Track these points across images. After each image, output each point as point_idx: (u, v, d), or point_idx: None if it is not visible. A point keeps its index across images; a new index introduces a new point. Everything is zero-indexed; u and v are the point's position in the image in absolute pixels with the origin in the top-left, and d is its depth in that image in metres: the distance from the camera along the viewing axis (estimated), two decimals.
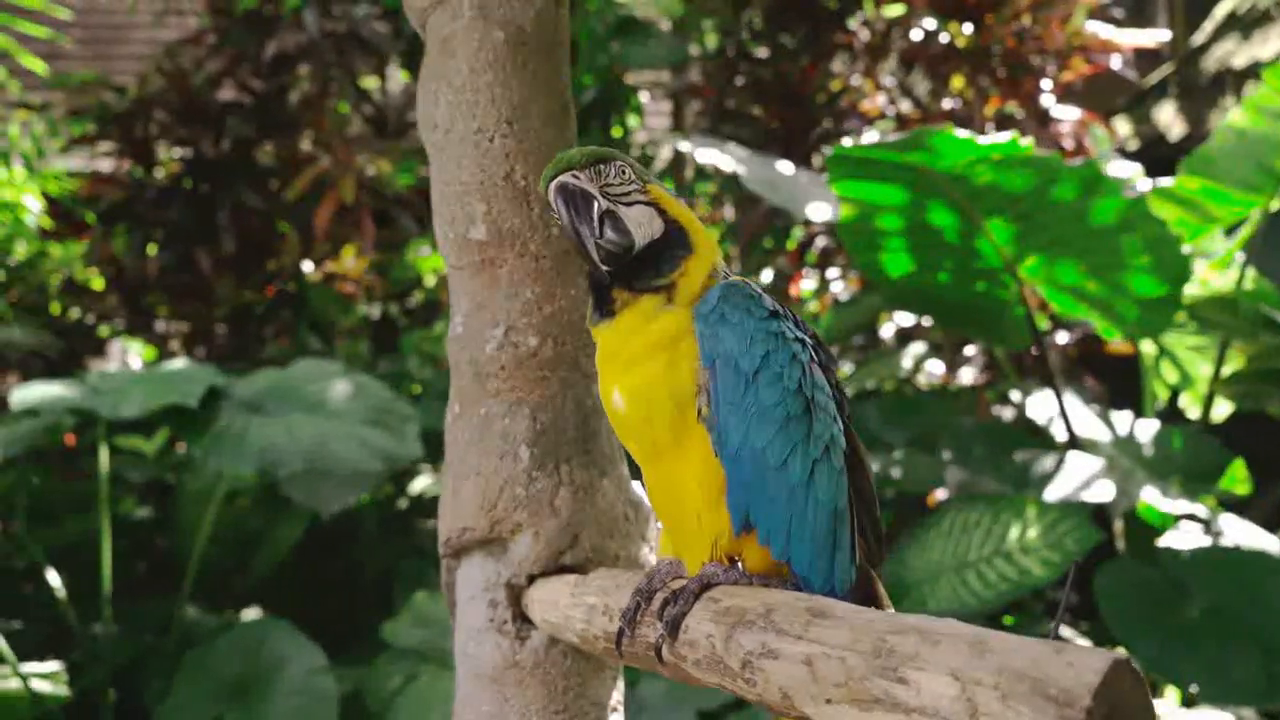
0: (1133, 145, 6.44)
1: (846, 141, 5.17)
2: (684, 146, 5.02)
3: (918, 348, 5.27)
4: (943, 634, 1.01)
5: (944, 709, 0.96)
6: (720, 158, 4.58)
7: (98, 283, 6.06)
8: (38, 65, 5.55)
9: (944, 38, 5.71)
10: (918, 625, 1.04)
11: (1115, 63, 5.81)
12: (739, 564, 1.32)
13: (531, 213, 1.68)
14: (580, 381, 1.68)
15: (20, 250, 5.67)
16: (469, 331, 1.69)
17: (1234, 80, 6.13)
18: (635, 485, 1.74)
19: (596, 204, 1.32)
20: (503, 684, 1.63)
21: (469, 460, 1.66)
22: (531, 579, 1.65)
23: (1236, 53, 6.36)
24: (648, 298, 1.32)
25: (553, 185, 1.35)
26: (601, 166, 1.35)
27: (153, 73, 5.83)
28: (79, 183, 5.89)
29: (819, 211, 4.44)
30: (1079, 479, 3.94)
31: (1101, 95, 6.36)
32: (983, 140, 3.64)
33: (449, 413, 1.73)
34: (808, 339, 1.35)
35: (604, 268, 1.31)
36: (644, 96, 6.59)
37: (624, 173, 1.35)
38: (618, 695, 1.71)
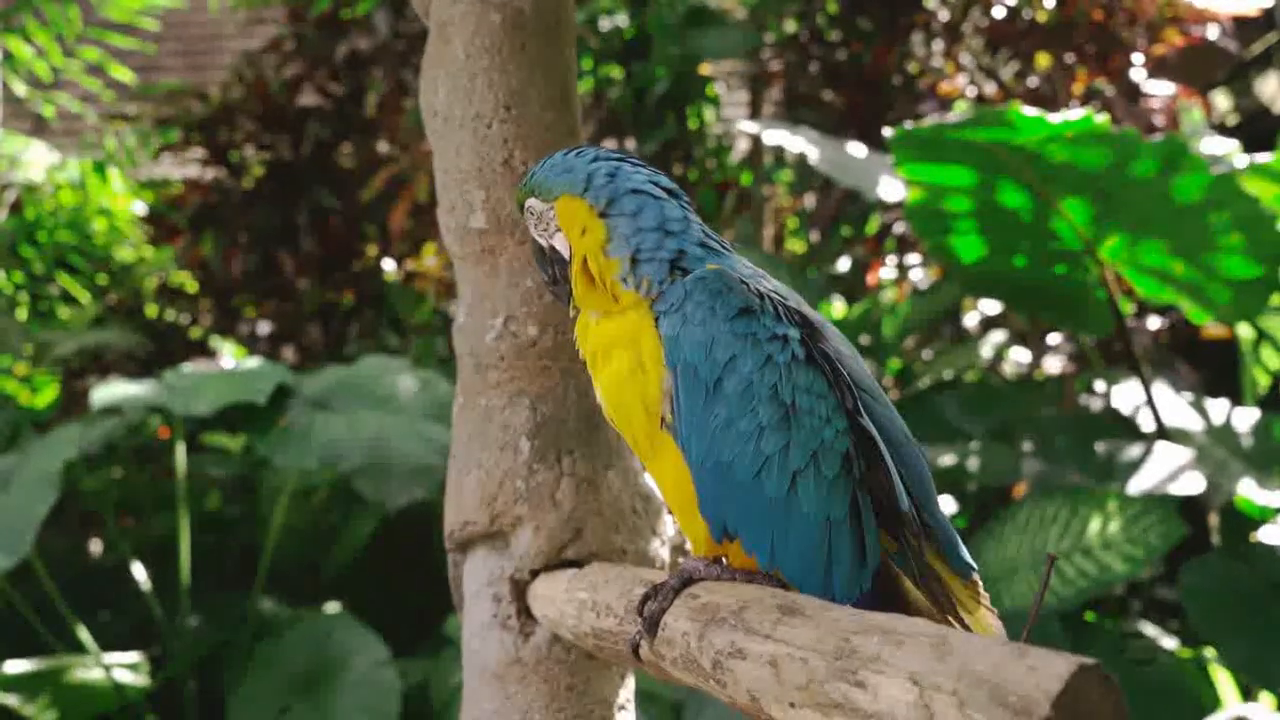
0: (1233, 120, 6.12)
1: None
2: (750, 128, 4.93)
3: (998, 336, 5.09)
4: (906, 634, 0.94)
5: (900, 715, 0.89)
6: (789, 139, 4.48)
7: (191, 286, 6.26)
8: (126, 74, 5.74)
9: (1027, 14, 5.50)
10: (884, 624, 0.97)
11: (1212, 33, 5.51)
12: (724, 560, 1.25)
13: None
14: (582, 372, 1.62)
15: (124, 254, 5.88)
16: (470, 322, 1.66)
17: None
18: (646, 477, 1.69)
19: (539, 247, 1.36)
20: (505, 680, 1.60)
21: (470, 453, 1.64)
22: (535, 574, 1.61)
23: None
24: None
25: None
26: (525, 213, 1.37)
27: (234, 80, 5.98)
28: (173, 189, 6.10)
29: (890, 190, 4.30)
30: (1165, 470, 3.75)
31: (1198, 68, 6.05)
32: (1055, 118, 3.48)
33: (454, 405, 1.71)
34: (793, 334, 1.23)
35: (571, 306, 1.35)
36: (720, 86, 6.52)
37: (532, 211, 1.35)
38: (626, 693, 1.66)
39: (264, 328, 6.42)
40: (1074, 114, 3.43)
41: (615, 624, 1.31)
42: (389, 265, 6.17)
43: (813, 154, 4.24)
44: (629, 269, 1.26)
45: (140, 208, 5.75)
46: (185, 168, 6.43)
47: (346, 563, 4.56)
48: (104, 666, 3.83)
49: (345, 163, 6.21)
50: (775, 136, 4.51)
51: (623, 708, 1.65)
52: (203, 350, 6.43)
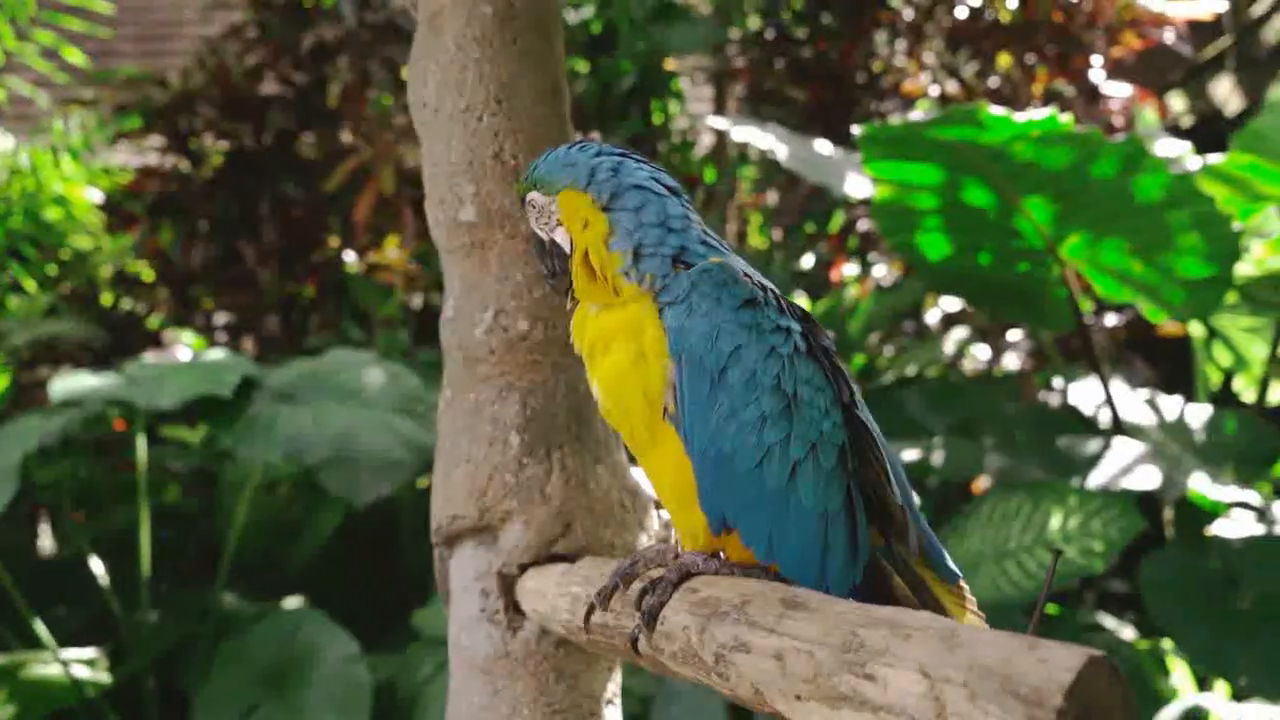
0: (1187, 122, 6.24)
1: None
2: (719, 123, 4.94)
3: (960, 333, 5.16)
4: (914, 628, 0.96)
5: (911, 707, 0.91)
6: (757, 135, 4.50)
7: (148, 275, 6.15)
8: (78, 57, 5.62)
9: (989, 14, 5.57)
10: (890, 618, 0.99)
11: (1168, 37, 5.62)
12: (721, 554, 1.26)
13: None
14: (573, 366, 1.63)
15: (79, 241, 5.76)
16: (459, 315, 1.66)
17: None
18: (634, 472, 1.69)
19: (539, 239, 1.36)
20: (494, 675, 1.60)
21: (459, 447, 1.63)
22: (523, 568, 1.61)
23: None
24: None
25: None
26: (526, 206, 1.37)
27: (195, 67, 5.89)
28: (127, 176, 5.98)
29: (858, 186, 4.33)
30: (1124, 465, 3.83)
31: (1155, 70, 6.16)
32: (1020, 117, 3.53)
33: (441, 399, 1.70)
34: (794, 326, 1.25)
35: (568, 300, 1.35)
36: (685, 82, 6.52)
37: (534, 204, 1.34)
38: (613, 687, 1.67)
39: (221, 318, 6.33)
40: (1039, 113, 3.48)
41: (611, 618, 1.32)
42: (350, 257, 6.12)
43: (781, 151, 4.26)
44: (631, 263, 1.27)
45: (97, 195, 5.64)
46: (142, 155, 6.32)
47: (309, 557, 4.52)
48: (62, 662, 3.76)
49: (307, 153, 6.14)
50: (744, 133, 4.52)
51: (610, 701, 1.65)
52: (158, 341, 6.33)
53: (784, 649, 1.04)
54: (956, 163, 3.72)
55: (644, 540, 1.67)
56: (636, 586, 1.28)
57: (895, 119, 5.38)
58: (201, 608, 4.19)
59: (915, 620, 0.97)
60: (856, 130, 4.34)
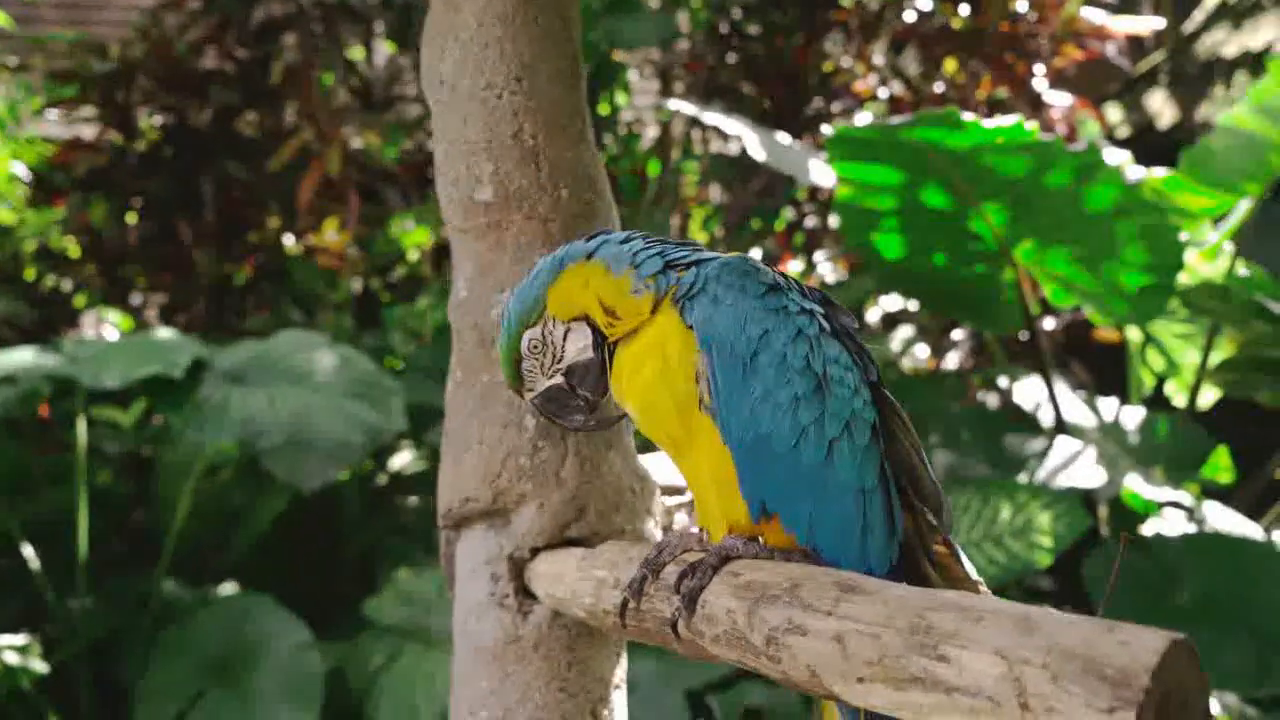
0: (1123, 132, 6.44)
1: (839, 121, 5.13)
2: (686, 108, 4.93)
3: (905, 331, 5.24)
4: (985, 611, 0.97)
5: (988, 689, 0.92)
6: (725, 121, 4.52)
7: (74, 250, 5.94)
8: (4, 20, 5.39)
9: (939, 19, 5.67)
10: (958, 601, 1.00)
11: (1108, 49, 5.78)
12: (760, 539, 1.27)
13: (540, 174, 1.61)
14: None
15: (3, 215, 5.54)
16: (473, 296, 1.63)
17: (1224, 69, 6.13)
18: (641, 459, 1.69)
19: (559, 389, 1.34)
20: (504, 660, 1.58)
21: (471, 430, 1.61)
22: (535, 552, 1.60)
23: (1227, 42, 6.37)
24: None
25: None
26: (524, 363, 1.34)
27: (136, 37, 5.70)
28: (53, 148, 5.75)
29: (823, 175, 4.35)
30: (1067, 464, 3.93)
31: (1094, 82, 6.34)
32: (989, 123, 3.60)
33: (450, 381, 1.67)
34: (818, 308, 1.27)
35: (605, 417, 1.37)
36: (632, 75, 6.51)
37: (532, 343, 1.33)
38: (621, 672, 1.66)
39: (139, 298, 6.14)
40: (1006, 120, 3.56)
41: (644, 602, 1.31)
42: (289, 240, 5.99)
43: (750, 138, 4.29)
44: (636, 277, 1.29)
45: (22, 169, 5.43)
46: (71, 126, 6.09)
47: (251, 544, 4.41)
48: None
49: (246, 130, 5.98)
50: (713, 118, 4.55)
51: (618, 686, 1.65)
52: (75, 321, 6.11)
53: (844, 631, 1.04)
54: (919, 165, 3.78)
55: (650, 525, 1.66)
56: (672, 570, 1.28)
57: (846, 119, 5.45)
58: (138, 594, 4.06)
59: (984, 604, 0.98)
60: (812, 130, 4.36)
